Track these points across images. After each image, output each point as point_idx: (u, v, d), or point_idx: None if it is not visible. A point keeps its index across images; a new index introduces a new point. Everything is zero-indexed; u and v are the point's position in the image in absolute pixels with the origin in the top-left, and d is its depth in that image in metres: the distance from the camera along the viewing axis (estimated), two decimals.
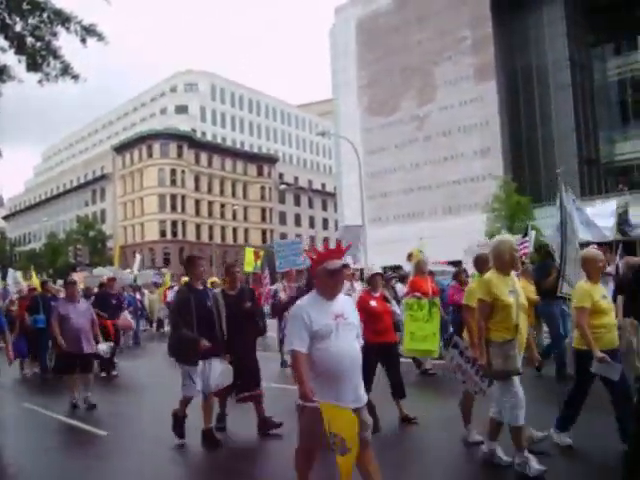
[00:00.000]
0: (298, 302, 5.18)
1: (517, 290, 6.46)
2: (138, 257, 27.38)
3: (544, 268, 12.43)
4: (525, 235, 19.26)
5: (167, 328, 27.33)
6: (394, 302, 12.04)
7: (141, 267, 29.33)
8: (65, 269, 57.80)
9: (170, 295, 21.35)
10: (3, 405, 11.64)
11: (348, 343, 4.94)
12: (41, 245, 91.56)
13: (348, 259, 16.69)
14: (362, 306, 8.30)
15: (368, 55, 65.94)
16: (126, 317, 17.05)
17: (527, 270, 13.26)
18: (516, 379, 6.25)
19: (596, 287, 7.07)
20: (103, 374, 14.33)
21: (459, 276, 14.03)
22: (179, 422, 8.09)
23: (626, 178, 53.25)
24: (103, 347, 11.43)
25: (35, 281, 24.47)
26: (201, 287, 8.34)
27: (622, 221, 47.66)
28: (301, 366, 4.80)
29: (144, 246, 79.15)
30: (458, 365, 6.90)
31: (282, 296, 14.59)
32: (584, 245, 10.39)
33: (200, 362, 7.87)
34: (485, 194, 49.06)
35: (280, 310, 11.77)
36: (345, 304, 5.17)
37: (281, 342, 13.79)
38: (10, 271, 29.32)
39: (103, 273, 22.98)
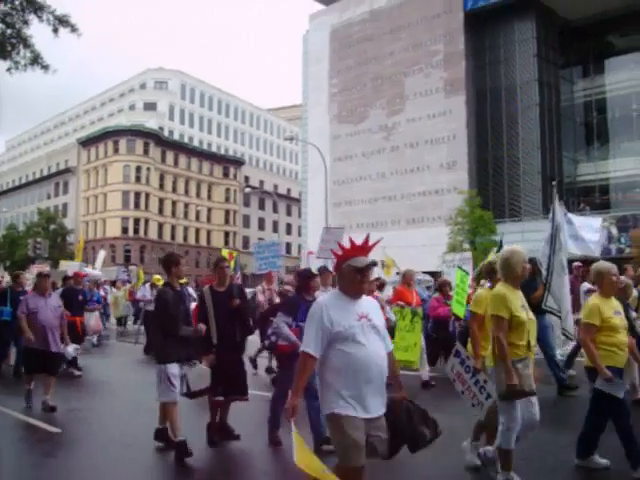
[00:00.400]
0: (319, 299, 4.99)
1: (526, 305, 6.21)
2: (102, 253, 26.86)
3: (532, 283, 12.24)
4: (500, 249, 19.27)
5: (134, 325, 27.21)
6: (388, 308, 12.13)
7: (103, 263, 28.81)
8: (24, 262, 56.96)
9: (141, 292, 20.66)
10: None
11: (374, 348, 4.63)
12: None
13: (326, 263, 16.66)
14: None
15: (340, 63, 66.13)
16: (97, 319, 16.71)
17: None
18: (518, 403, 5.99)
19: (609, 302, 6.73)
20: (78, 373, 14.08)
21: (443, 288, 13.92)
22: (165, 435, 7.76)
23: (588, 199, 54.04)
24: (70, 350, 11.05)
25: None
26: (179, 287, 7.99)
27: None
28: (305, 373, 4.62)
29: (105, 242, 78.33)
30: (458, 374, 6.69)
31: (261, 298, 14.32)
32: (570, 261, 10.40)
33: (176, 365, 7.50)
34: (449, 207, 49.37)
35: (266, 318, 10.51)
36: (370, 305, 4.91)
37: (264, 349, 12.56)
38: None
39: (71, 267, 22.36)
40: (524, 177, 54.97)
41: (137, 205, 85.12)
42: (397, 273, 17.03)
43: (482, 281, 17.81)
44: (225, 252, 26.24)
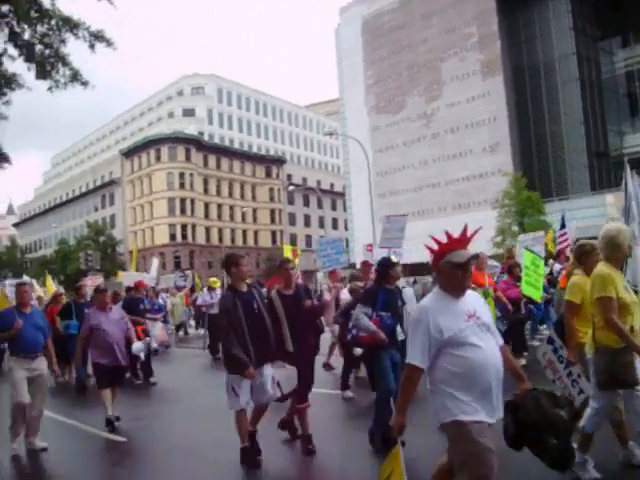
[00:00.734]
0: (421, 303, 4.53)
1: (628, 286, 5.81)
2: (155, 261, 26.52)
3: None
4: (563, 226, 18.43)
5: (194, 331, 27.20)
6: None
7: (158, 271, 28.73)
8: (76, 275, 57.84)
9: (201, 298, 20.45)
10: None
11: (490, 348, 4.25)
12: (52, 252, 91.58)
13: (391, 255, 15.95)
14: None
15: (374, 54, 65.96)
16: (162, 329, 16.53)
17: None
18: (615, 393, 5.67)
19: (618, 274, 5.85)
20: (138, 381, 13.98)
21: (513, 270, 13.52)
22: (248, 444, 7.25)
23: (637, 170, 53.11)
24: (138, 345, 10.62)
25: (49, 288, 24.43)
26: (245, 288, 7.36)
27: None
28: (411, 387, 4.28)
29: (154, 250, 79.11)
30: (550, 362, 6.34)
31: (327, 297, 13.04)
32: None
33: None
34: (495, 190, 48.93)
35: (347, 312, 10.21)
36: (475, 300, 4.53)
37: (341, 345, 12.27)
38: (25, 278, 29.42)
39: (129, 277, 22.37)
40: (569, 154, 54.24)
41: (183, 211, 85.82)
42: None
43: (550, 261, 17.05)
44: (288, 250, 25.67)
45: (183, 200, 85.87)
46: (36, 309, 9.66)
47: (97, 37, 11.03)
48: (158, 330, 15.75)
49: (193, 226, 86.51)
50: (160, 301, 20.72)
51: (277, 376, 7.50)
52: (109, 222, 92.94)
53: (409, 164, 62.00)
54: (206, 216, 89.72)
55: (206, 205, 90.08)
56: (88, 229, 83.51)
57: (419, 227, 55.55)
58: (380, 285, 7.74)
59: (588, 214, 40.24)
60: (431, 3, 60.54)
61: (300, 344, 7.54)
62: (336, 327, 12.63)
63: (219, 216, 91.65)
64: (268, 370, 7.24)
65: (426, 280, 30.39)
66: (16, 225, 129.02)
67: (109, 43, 11.17)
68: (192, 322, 28.35)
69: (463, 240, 4.49)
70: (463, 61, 58.48)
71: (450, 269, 4.36)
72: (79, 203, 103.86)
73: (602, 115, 55.94)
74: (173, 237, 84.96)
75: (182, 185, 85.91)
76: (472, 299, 4.48)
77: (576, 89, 53.52)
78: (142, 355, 12.09)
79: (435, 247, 4.54)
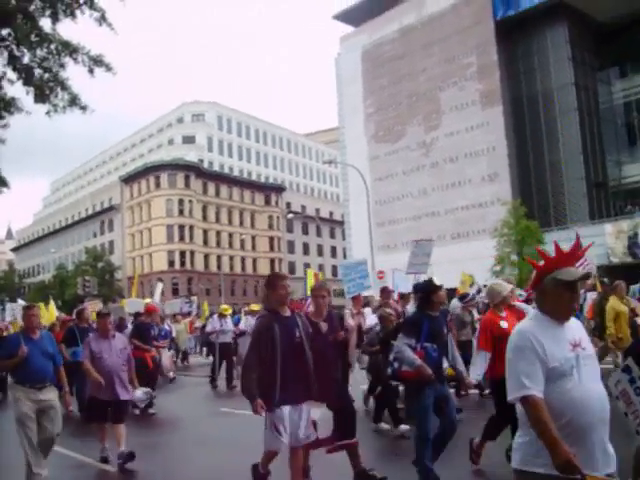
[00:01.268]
0: (521, 328, 3.77)
1: None
2: (159, 285, 26.00)
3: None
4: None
5: (197, 359, 26.98)
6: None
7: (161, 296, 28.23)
8: (74, 300, 57.72)
9: (210, 325, 19.93)
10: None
11: (595, 384, 3.61)
12: (50, 277, 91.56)
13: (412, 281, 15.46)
14: (490, 329, 7.21)
15: (374, 83, 66.24)
16: (171, 357, 16.25)
17: (620, 286, 12.85)
18: None
19: None
20: (137, 411, 12.93)
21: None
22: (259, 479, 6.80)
23: (636, 200, 53.22)
24: (139, 394, 9.83)
25: (52, 313, 24.28)
26: (288, 313, 6.52)
27: (632, 244, 47.91)
28: (546, 419, 3.39)
29: (152, 276, 78.93)
30: (624, 393, 5.61)
31: (351, 322, 12.43)
32: None
33: (288, 408, 6.26)
34: (493, 219, 48.88)
35: (387, 342, 9.19)
36: (579, 329, 3.85)
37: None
38: (18, 302, 29.19)
39: (132, 304, 21.92)
40: (568, 183, 54.30)
41: (182, 238, 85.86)
42: (478, 291, 15.91)
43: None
44: (311, 274, 25.16)
45: (182, 227, 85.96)
46: (46, 333, 8.87)
47: (96, 61, 11.04)
48: (166, 359, 15.46)
49: (192, 253, 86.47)
50: (166, 327, 20.37)
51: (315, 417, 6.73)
52: (108, 248, 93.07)
53: (408, 193, 62.03)
54: (205, 243, 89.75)
55: (205, 232, 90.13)
56: (86, 255, 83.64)
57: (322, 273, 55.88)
58: (423, 312, 7.09)
59: (587, 243, 40.17)
60: (431, 33, 60.85)
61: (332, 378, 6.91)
62: (363, 356, 12.15)
63: (218, 243, 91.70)
64: (304, 409, 6.38)
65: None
66: (14, 250, 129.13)
67: (108, 68, 11.19)
68: (194, 348, 28.05)
69: (574, 255, 3.94)
70: (462, 91, 58.67)
71: (556, 288, 3.72)
72: (78, 229, 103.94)
73: (600, 145, 56.11)
74: (172, 264, 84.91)
75: (181, 212, 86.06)
76: (576, 326, 3.86)
77: (575, 119, 53.68)
78: (141, 405, 11.36)
79: (542, 263, 3.90)
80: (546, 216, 53.38)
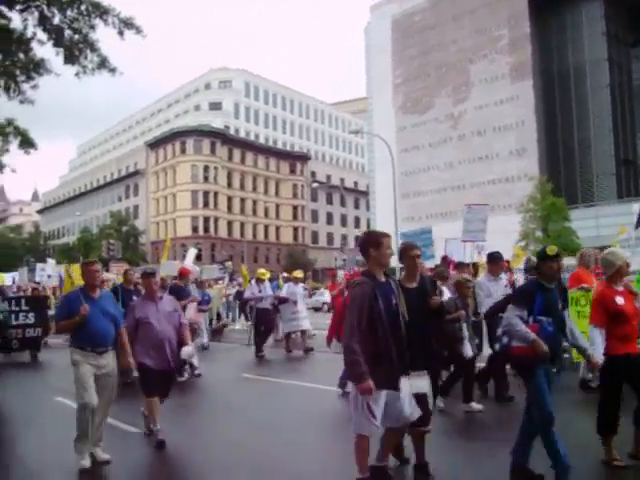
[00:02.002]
0: None
1: None
2: (192, 250, 25.10)
3: None
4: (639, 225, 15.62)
5: (235, 326, 26.22)
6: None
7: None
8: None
9: (249, 290, 18.60)
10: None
11: None
12: (74, 239, 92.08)
13: (468, 249, 14.80)
14: (604, 304, 6.41)
15: (403, 53, 65.64)
16: (195, 309, 15.46)
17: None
18: None
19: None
20: (182, 379, 11.90)
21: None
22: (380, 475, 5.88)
23: None
24: (189, 350, 8.48)
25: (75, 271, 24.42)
26: (383, 278, 5.68)
27: None
28: None
29: (176, 242, 79.10)
30: None
31: None
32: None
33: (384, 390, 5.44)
34: (520, 195, 48.55)
35: (495, 314, 8.26)
36: None
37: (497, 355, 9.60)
38: (48, 262, 29.41)
39: (166, 266, 21.25)
40: (596, 161, 53.73)
41: (206, 204, 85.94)
42: (527, 261, 14.90)
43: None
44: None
45: (206, 193, 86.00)
46: (107, 292, 8.19)
47: (127, 24, 11.01)
48: (192, 311, 14.93)
49: (215, 219, 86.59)
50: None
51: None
52: (132, 212, 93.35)
53: (434, 165, 61.67)
54: (229, 210, 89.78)
55: (229, 199, 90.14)
56: (111, 218, 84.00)
57: (443, 229, 55.45)
58: (537, 282, 6.19)
59: (613, 222, 39.78)
60: (462, 4, 60.10)
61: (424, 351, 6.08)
62: None
63: (242, 210, 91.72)
64: (405, 384, 5.59)
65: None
66: (40, 212, 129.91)
67: (138, 30, 11.15)
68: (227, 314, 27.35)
69: None
70: (492, 63, 58.03)
71: None
72: (103, 192, 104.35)
73: (632, 122, 55.40)
74: (195, 229, 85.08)
75: (206, 178, 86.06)
76: None
77: (606, 95, 53.00)
78: (194, 361, 10.59)
79: None
80: (573, 193, 52.92)
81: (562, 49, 56.48)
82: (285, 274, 21.25)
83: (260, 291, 17.66)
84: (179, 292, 12.94)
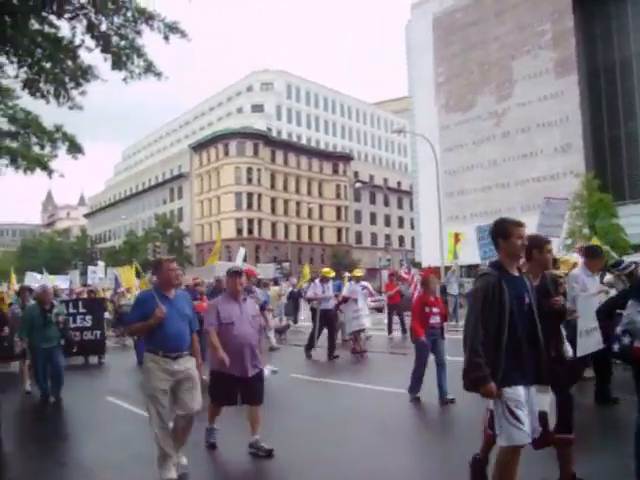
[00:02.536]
0: None
1: None
2: (242, 250, 24.89)
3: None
4: None
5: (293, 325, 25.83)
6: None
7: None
8: (144, 266, 58.76)
9: (311, 289, 17.97)
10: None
11: None
12: (120, 242, 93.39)
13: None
14: None
15: (445, 51, 65.27)
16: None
17: None
18: None
19: None
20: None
21: None
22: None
23: None
24: (266, 372, 7.96)
25: (133, 275, 24.73)
26: (516, 272, 4.96)
27: None
28: None
29: (221, 243, 79.98)
30: None
31: None
32: None
33: (521, 387, 4.70)
34: (565, 192, 47.84)
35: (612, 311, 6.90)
36: None
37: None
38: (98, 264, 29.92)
39: (222, 267, 20.86)
40: None
41: (250, 206, 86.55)
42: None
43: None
44: (451, 235, 24.01)
45: (250, 195, 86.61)
46: (182, 292, 7.41)
47: (172, 29, 11.14)
48: (271, 320, 14.51)
49: (259, 221, 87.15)
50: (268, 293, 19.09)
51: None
52: (177, 215, 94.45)
53: (478, 163, 61.22)
54: (272, 211, 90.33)
55: (273, 200, 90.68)
56: (156, 221, 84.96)
57: (465, 233, 55.11)
58: None
59: None
60: (504, 0, 59.66)
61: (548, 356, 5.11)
62: None
63: (285, 211, 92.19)
64: (532, 393, 4.80)
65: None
66: (87, 216, 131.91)
67: (183, 35, 11.28)
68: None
69: None
70: (536, 59, 57.39)
71: None
72: (148, 196, 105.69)
73: None
74: (239, 231, 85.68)
75: (250, 180, 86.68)
76: None
77: None
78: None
79: None
80: (620, 189, 52.08)
81: (607, 42, 55.62)
82: (347, 274, 20.93)
83: (324, 291, 17.21)
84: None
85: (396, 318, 22.51)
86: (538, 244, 5.34)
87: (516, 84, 59.14)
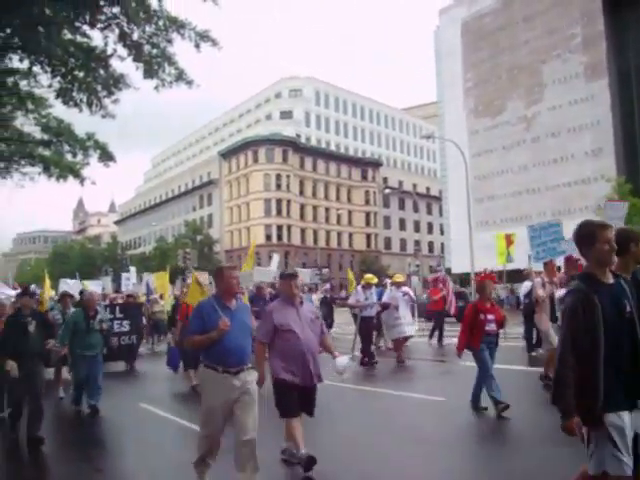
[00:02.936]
0: None
1: None
2: (276, 257, 24.69)
3: None
4: None
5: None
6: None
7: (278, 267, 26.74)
8: (174, 272, 59.08)
9: (354, 297, 17.06)
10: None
11: None
12: (150, 249, 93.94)
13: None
14: None
15: (473, 56, 65.08)
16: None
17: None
18: None
19: None
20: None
21: None
22: None
23: None
24: (343, 361, 7.10)
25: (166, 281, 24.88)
26: (610, 279, 4.34)
27: None
28: None
29: (250, 250, 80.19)
30: None
31: (540, 293, 11.57)
32: None
33: (626, 413, 4.09)
34: (597, 197, 47.50)
35: None
36: None
37: None
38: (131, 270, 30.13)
39: (262, 272, 20.48)
40: None
41: (279, 212, 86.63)
42: None
43: None
44: (501, 237, 22.76)
45: (279, 201, 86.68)
46: (243, 303, 6.72)
47: (203, 37, 11.23)
48: None
49: (289, 227, 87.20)
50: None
51: None
52: (206, 221, 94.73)
53: (508, 168, 60.91)
54: (302, 217, 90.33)
55: (302, 207, 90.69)
56: (186, 228, 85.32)
57: (517, 234, 54.72)
58: None
59: None
60: (533, 4, 59.33)
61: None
62: (551, 332, 10.80)
63: (314, 218, 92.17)
64: (636, 415, 4.14)
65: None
66: (117, 222, 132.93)
67: (214, 43, 11.39)
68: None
69: None
70: (566, 63, 57.06)
71: None
72: (178, 202, 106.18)
73: None
74: (269, 237, 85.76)
75: (279, 186, 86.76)
76: None
77: None
78: (345, 376, 7.31)
79: None
80: None
81: (638, 45, 55.17)
82: (389, 280, 20.21)
83: (367, 298, 16.29)
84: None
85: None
86: (635, 237, 4.74)
87: (546, 88, 58.82)
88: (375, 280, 17.60)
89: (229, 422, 5.91)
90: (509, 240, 20.48)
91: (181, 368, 14.04)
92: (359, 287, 16.99)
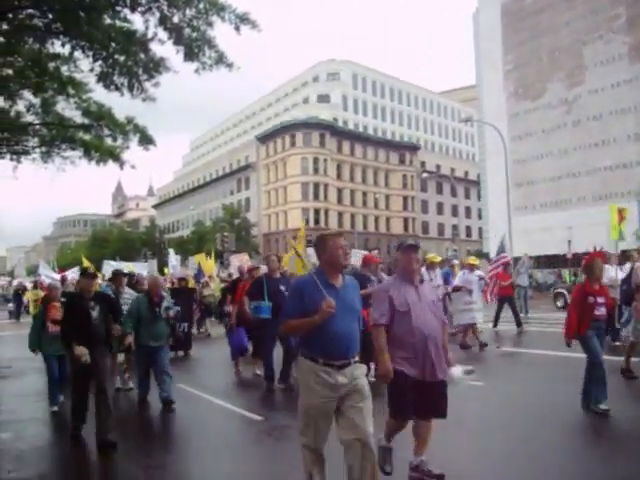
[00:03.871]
0: None
1: None
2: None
3: None
4: None
5: None
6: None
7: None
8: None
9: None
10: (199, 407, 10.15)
11: None
12: (188, 233, 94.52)
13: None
14: None
15: (513, 38, 64.20)
16: None
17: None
18: None
19: None
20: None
21: None
22: None
23: None
24: (457, 372, 5.89)
25: (212, 263, 24.89)
26: None
27: None
28: None
29: (287, 233, 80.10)
30: None
31: None
32: None
33: None
34: (639, 180, 46.89)
35: None
36: None
37: None
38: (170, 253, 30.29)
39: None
40: None
41: (316, 196, 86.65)
42: None
43: None
44: (613, 209, 21.13)
45: (317, 185, 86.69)
46: (352, 279, 5.29)
47: (243, 19, 11.16)
48: None
49: (326, 211, 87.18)
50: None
51: None
52: (244, 205, 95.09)
53: (548, 152, 60.12)
54: (339, 201, 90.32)
55: (339, 190, 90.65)
56: (224, 212, 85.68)
57: (557, 218, 54.16)
58: None
59: None
60: None
61: None
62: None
63: (352, 202, 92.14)
64: None
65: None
66: (155, 206, 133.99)
67: (254, 25, 11.31)
68: None
69: None
70: (608, 44, 56.01)
71: None
72: (215, 186, 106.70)
73: None
74: (306, 221, 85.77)
75: (316, 170, 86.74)
76: None
77: None
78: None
79: None
80: None
81: None
82: (455, 261, 19.28)
83: (431, 279, 14.58)
84: (363, 282, 9.38)
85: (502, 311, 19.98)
86: None
87: (587, 70, 57.89)
88: (439, 259, 16.83)
89: (336, 428, 4.85)
90: (621, 215, 18.88)
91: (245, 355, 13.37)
92: (422, 268, 14.89)
